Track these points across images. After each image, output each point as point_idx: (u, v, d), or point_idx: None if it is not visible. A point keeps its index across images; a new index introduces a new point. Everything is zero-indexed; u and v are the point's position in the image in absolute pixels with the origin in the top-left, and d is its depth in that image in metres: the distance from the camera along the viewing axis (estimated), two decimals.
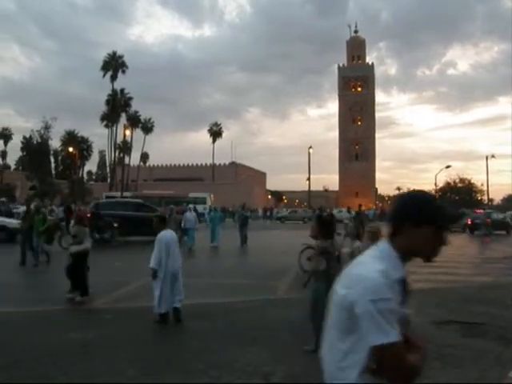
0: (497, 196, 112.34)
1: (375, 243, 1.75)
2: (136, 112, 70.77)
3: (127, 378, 4.80)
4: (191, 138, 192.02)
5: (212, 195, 47.76)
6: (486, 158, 56.05)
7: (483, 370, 5.09)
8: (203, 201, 42.06)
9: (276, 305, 8.48)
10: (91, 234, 18.77)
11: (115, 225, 19.14)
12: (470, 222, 33.06)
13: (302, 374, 4.92)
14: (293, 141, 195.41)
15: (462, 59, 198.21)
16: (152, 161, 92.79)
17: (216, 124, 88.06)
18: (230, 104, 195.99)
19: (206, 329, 6.71)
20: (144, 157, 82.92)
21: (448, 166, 62.31)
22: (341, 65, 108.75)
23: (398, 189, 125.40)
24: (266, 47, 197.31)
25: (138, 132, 74.16)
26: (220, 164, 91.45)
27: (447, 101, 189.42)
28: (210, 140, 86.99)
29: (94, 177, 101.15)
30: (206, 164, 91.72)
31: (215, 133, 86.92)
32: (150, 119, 76.05)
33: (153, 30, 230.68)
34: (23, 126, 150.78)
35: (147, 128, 75.69)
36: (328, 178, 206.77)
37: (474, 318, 7.36)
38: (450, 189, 60.74)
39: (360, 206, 21.87)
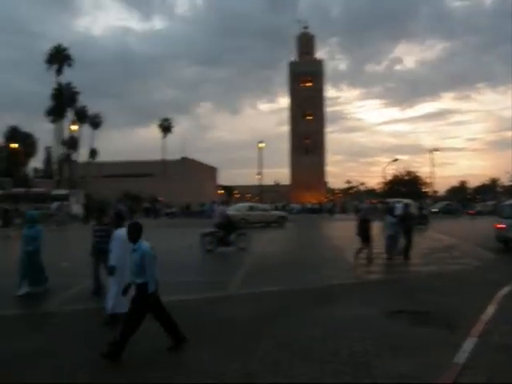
0: (441, 188, 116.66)
1: None
2: (84, 107, 68.63)
3: None
4: (142, 133, 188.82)
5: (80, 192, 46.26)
6: (431, 151, 58.44)
7: (432, 357, 5.27)
8: (65, 198, 40.27)
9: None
10: None
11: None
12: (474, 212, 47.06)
13: None
14: (244, 135, 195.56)
15: (408, 56, 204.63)
16: (102, 157, 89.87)
17: (166, 119, 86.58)
18: (182, 99, 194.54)
19: None
20: (93, 153, 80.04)
21: (395, 160, 64.52)
22: (291, 60, 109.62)
23: (348, 182, 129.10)
24: (217, 41, 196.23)
25: (87, 128, 72.11)
26: (171, 159, 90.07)
27: (395, 96, 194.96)
28: (161, 135, 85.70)
29: (40, 174, 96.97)
30: (156, 160, 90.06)
31: (165, 128, 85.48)
32: (98, 114, 74.00)
33: (101, 21, 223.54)
34: None
35: (95, 123, 73.54)
36: (279, 173, 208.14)
37: (421, 307, 7.64)
38: (397, 181, 62.63)
39: None
